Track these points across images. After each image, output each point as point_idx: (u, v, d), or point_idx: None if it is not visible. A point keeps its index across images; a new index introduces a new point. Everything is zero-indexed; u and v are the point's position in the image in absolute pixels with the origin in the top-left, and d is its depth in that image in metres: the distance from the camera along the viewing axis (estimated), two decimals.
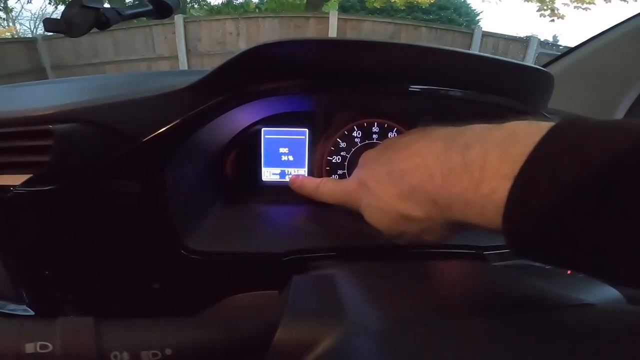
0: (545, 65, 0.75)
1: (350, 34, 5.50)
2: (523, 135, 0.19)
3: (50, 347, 0.17)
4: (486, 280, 0.28)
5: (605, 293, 0.27)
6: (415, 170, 0.24)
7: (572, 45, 0.75)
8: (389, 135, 0.46)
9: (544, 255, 0.19)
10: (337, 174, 0.46)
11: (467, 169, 0.20)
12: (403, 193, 0.25)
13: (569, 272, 0.42)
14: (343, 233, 0.37)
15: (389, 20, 5.93)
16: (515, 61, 0.33)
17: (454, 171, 0.21)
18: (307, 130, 0.45)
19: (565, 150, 0.17)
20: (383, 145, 0.31)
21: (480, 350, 0.17)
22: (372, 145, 0.46)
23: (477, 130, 0.22)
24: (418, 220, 0.25)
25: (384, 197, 0.26)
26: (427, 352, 0.17)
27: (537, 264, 0.38)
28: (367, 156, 0.31)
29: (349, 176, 0.46)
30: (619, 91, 0.63)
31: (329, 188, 0.35)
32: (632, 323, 0.19)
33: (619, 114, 0.61)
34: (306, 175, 0.46)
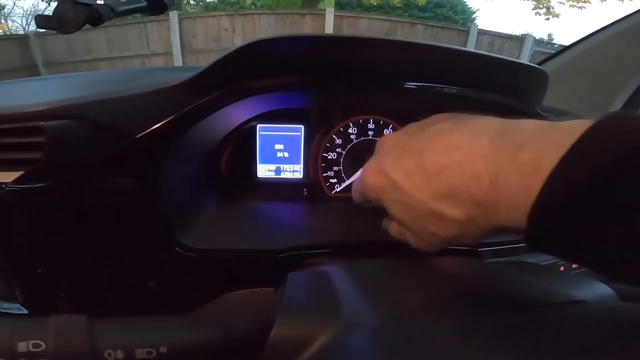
0: (540, 63, 0.75)
1: (347, 31, 5.49)
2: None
3: (43, 345, 0.17)
4: (479, 277, 0.28)
5: (598, 290, 0.27)
6: (457, 167, 0.21)
7: (567, 43, 0.75)
8: (385, 132, 0.46)
9: (559, 253, 0.19)
10: (333, 170, 0.46)
11: (519, 172, 0.19)
12: (440, 192, 0.22)
13: (561, 268, 0.43)
14: (339, 230, 0.37)
15: (385, 17, 5.92)
16: (511, 59, 0.33)
17: (504, 174, 0.19)
18: (302, 126, 0.45)
19: (594, 145, 0.16)
20: (406, 130, 0.27)
21: (472, 345, 0.17)
22: (367, 142, 0.46)
23: (528, 130, 0.20)
24: (456, 222, 0.22)
25: (416, 195, 0.23)
26: (421, 349, 0.18)
27: (531, 261, 0.38)
28: (387, 141, 0.28)
29: (344, 172, 0.46)
30: (613, 89, 0.63)
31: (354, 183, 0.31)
32: (624, 319, 0.19)
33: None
34: (302, 173, 0.46)
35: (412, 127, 0.28)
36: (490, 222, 0.21)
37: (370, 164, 0.28)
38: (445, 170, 0.22)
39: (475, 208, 0.21)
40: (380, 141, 0.29)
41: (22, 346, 0.17)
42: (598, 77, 0.67)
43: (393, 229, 0.30)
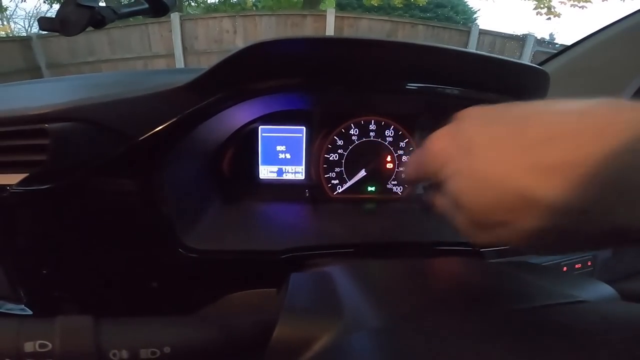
0: (541, 64, 0.75)
1: (348, 32, 5.49)
2: None
3: (50, 345, 0.17)
4: (482, 277, 0.28)
5: (600, 290, 0.27)
6: (584, 131, 0.15)
7: (569, 43, 0.75)
8: (386, 132, 0.46)
9: None
10: (334, 171, 0.46)
11: None
12: (541, 162, 0.16)
13: (564, 269, 0.43)
14: (341, 231, 0.37)
15: (386, 18, 5.92)
16: (512, 59, 0.34)
17: None
18: (304, 128, 0.45)
19: None
20: (500, 105, 0.20)
21: (475, 344, 0.17)
22: (369, 143, 0.46)
23: None
24: (556, 211, 0.15)
25: (500, 164, 0.17)
26: (423, 349, 0.18)
27: (533, 261, 0.38)
28: (470, 111, 0.21)
29: (346, 173, 0.47)
30: (615, 89, 0.63)
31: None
32: (626, 318, 0.19)
33: None
34: (303, 174, 0.46)
35: (505, 104, 0.20)
36: (614, 217, 0.15)
37: (440, 130, 0.22)
38: (560, 137, 0.16)
39: (598, 191, 0.15)
40: (460, 112, 0.21)
41: (28, 346, 0.17)
42: (599, 77, 0.67)
43: (440, 202, 0.23)
